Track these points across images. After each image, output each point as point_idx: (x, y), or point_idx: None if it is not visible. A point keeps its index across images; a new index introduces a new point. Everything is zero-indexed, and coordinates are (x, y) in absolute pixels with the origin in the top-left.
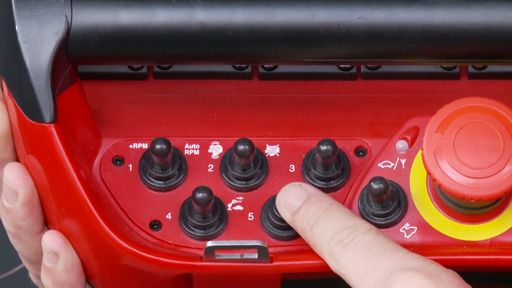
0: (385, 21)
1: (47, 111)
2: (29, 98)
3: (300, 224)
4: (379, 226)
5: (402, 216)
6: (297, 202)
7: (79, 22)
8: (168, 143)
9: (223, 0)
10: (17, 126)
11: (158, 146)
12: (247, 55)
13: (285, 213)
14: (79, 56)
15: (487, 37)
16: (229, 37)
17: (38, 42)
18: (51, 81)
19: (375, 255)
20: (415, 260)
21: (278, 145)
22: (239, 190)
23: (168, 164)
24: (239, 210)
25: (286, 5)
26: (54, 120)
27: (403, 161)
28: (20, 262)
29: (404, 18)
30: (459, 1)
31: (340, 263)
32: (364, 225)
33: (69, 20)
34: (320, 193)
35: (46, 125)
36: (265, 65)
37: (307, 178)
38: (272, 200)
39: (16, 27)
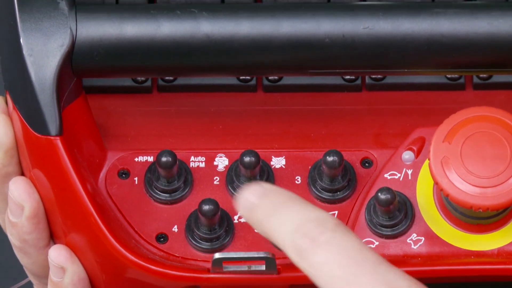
0: (391, 32)
1: (52, 124)
2: (35, 111)
3: (257, 217)
4: (386, 236)
5: (409, 227)
6: (254, 197)
7: (84, 35)
8: (173, 155)
9: (228, 12)
10: (22, 139)
11: (164, 159)
12: (252, 67)
13: (244, 211)
14: (84, 69)
15: (493, 47)
16: (235, 49)
17: (43, 55)
18: (57, 94)
19: (354, 263)
20: (401, 280)
21: (283, 157)
22: None
23: (173, 177)
24: (245, 222)
25: (292, 16)
26: (60, 133)
27: (409, 172)
28: (26, 276)
29: (410, 28)
30: (464, 10)
31: (310, 261)
32: (330, 219)
33: (74, 33)
34: (278, 188)
35: (52, 138)
36: (270, 77)
37: (313, 189)
38: None
39: (21, 40)
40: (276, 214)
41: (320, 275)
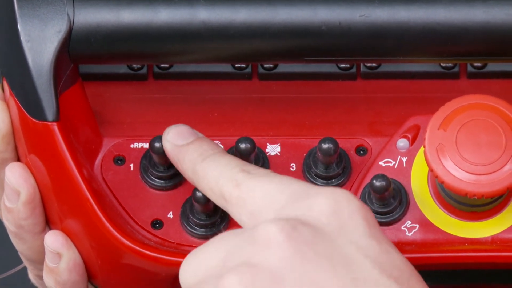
0: (387, 19)
1: (49, 110)
2: (32, 97)
3: (189, 155)
4: (381, 224)
5: (403, 214)
6: (191, 136)
7: (81, 21)
8: None
9: None
10: (19, 125)
11: (157, 144)
12: (249, 54)
13: (169, 145)
14: (81, 55)
15: (489, 35)
16: (231, 36)
17: (40, 41)
18: (54, 79)
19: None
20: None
21: (279, 144)
22: None
23: (168, 163)
24: None
25: (288, 4)
26: (57, 119)
27: (404, 159)
28: (20, 262)
29: (406, 16)
30: None
31: (244, 186)
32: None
33: (71, 19)
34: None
35: (49, 123)
36: (265, 65)
37: (308, 176)
38: None
39: (18, 26)
40: (214, 157)
41: (253, 198)
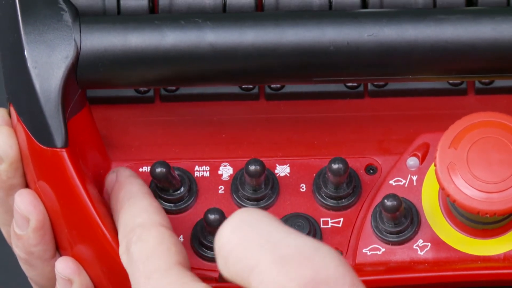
0: (395, 39)
1: (58, 136)
2: (40, 123)
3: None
4: (392, 243)
5: (415, 233)
6: (108, 187)
7: (88, 46)
8: (167, 165)
9: (232, 21)
10: (27, 151)
11: (157, 170)
12: (257, 75)
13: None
14: (89, 80)
15: (497, 52)
16: (239, 58)
17: (47, 67)
18: (62, 105)
19: None
20: None
21: (288, 165)
22: None
23: (176, 187)
24: None
25: (296, 25)
26: (66, 145)
27: (414, 178)
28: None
29: (414, 35)
30: (468, 16)
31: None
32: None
33: (78, 44)
34: (126, 181)
35: (58, 150)
36: (272, 85)
37: (318, 197)
38: (285, 219)
39: (25, 52)
40: (120, 208)
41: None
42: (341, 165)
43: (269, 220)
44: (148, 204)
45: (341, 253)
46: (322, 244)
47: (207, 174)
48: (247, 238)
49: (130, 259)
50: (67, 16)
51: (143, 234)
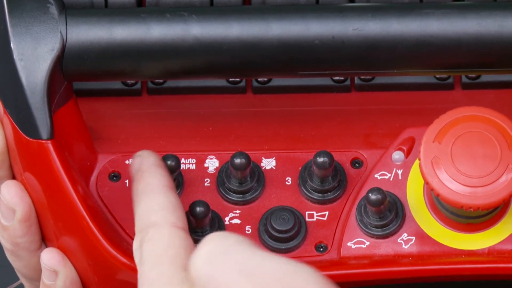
0: (380, 33)
1: (44, 128)
2: (26, 115)
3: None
4: (377, 236)
5: (400, 227)
6: (133, 170)
7: (74, 39)
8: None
9: (217, 14)
10: (14, 143)
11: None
12: (242, 69)
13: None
14: (74, 73)
15: (482, 47)
16: (225, 51)
17: (33, 59)
18: (47, 97)
19: None
20: None
21: (274, 158)
22: (236, 203)
23: None
24: (236, 224)
25: (281, 18)
26: (51, 137)
27: (399, 172)
28: (17, 279)
29: (399, 29)
30: (453, 11)
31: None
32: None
33: (64, 37)
34: (149, 169)
35: (43, 141)
36: (259, 79)
37: (304, 190)
38: (270, 213)
39: (12, 45)
40: (138, 202)
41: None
42: (326, 159)
43: (243, 245)
44: (165, 201)
45: (326, 246)
46: (300, 264)
47: (193, 166)
48: (223, 267)
49: (140, 258)
50: (53, 9)
51: (155, 234)
